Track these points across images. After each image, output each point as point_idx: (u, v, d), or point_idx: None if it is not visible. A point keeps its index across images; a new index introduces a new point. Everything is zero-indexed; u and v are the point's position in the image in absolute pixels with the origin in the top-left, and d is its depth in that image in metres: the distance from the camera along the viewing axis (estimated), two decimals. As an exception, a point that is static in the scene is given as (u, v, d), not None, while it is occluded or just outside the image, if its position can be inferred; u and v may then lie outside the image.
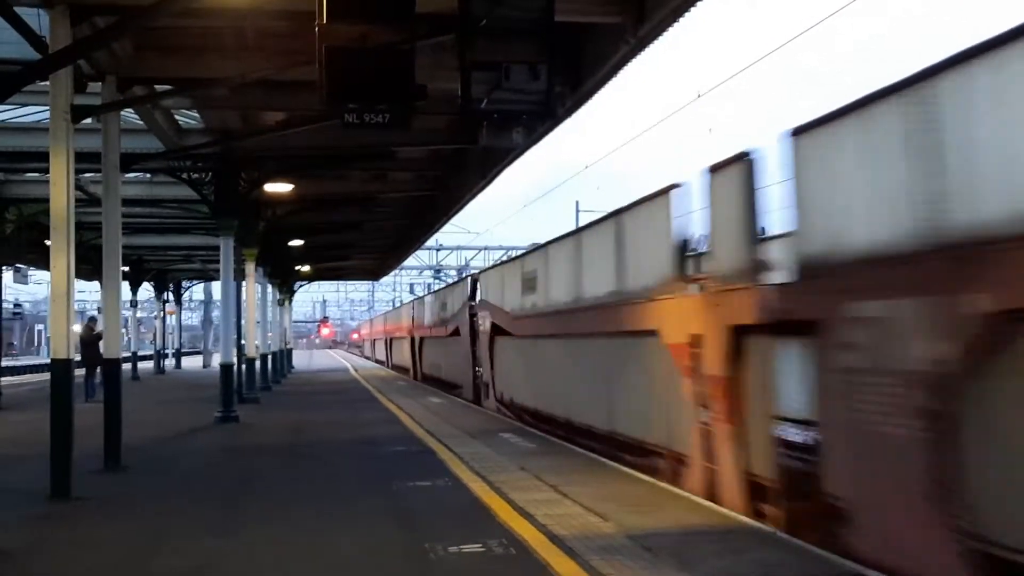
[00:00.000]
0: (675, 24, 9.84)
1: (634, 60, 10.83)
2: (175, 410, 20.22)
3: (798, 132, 7.42)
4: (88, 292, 66.96)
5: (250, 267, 22.12)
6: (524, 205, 78.61)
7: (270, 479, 10.59)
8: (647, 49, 10.54)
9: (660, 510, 8.08)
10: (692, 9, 9.44)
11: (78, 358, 17.59)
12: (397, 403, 21.47)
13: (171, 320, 50.15)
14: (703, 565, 6.17)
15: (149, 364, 43.58)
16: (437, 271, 73.85)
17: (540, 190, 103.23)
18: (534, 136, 13.47)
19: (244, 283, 22.62)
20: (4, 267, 25.46)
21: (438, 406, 20.57)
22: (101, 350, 14.41)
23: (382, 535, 7.37)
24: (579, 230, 14.60)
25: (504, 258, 59.63)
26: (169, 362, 45.20)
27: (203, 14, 10.41)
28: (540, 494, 8.92)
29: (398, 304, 68.01)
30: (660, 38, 10.22)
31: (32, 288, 71.29)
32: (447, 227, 36.10)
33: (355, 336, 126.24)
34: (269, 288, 31.98)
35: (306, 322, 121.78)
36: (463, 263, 69.56)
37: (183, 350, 53.43)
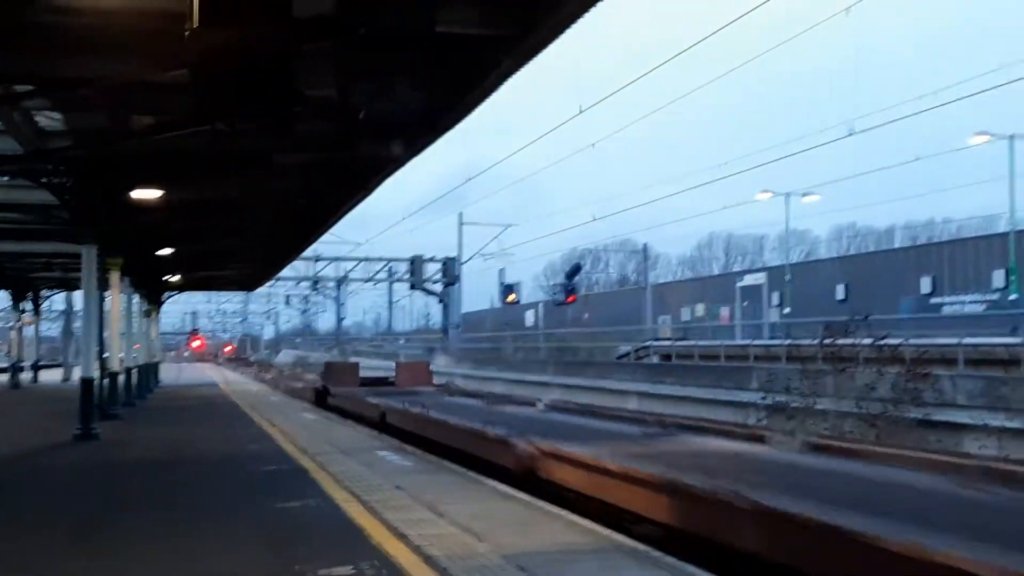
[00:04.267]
0: (562, 35, 9.99)
1: (520, 70, 10.99)
2: (30, 427, 19.54)
3: None
4: (-63, 300, 64.09)
5: (115, 277, 21.54)
6: (403, 217, 77.95)
7: (130, 501, 10.35)
8: (534, 59, 10.70)
9: (535, 529, 8.17)
10: (580, 20, 9.60)
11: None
12: (270, 419, 21.16)
13: (29, 331, 48.40)
14: (577, 585, 6.27)
15: (3, 377, 41.96)
16: (315, 282, 72.98)
17: (430, 199, 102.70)
18: (415, 147, 13.49)
19: (108, 293, 22.01)
20: None
21: (312, 422, 20.35)
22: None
23: (251, 559, 7.29)
24: None
25: (387, 267, 59.23)
26: (26, 375, 43.60)
27: (68, 12, 10.15)
28: (415, 514, 8.93)
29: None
30: (547, 49, 10.38)
31: None
32: (327, 237, 35.83)
33: (228, 349, 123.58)
34: (135, 299, 31.17)
35: (176, 334, 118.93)
36: (342, 274, 68.91)
37: (42, 363, 51.59)
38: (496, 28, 10.01)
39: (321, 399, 28.03)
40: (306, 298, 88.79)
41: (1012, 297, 34.54)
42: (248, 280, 48.24)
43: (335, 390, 28.04)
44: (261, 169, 18.60)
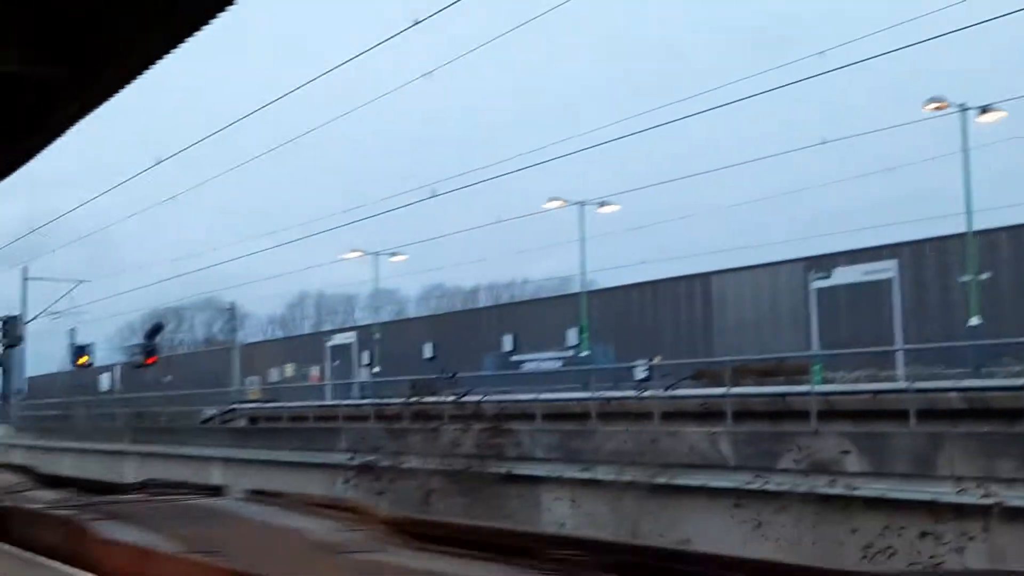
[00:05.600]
0: (131, 83, 9.59)
1: (89, 116, 10.43)
2: None
3: None
4: None
5: None
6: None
7: None
8: (105, 105, 10.20)
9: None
10: (152, 68, 9.27)
11: None
12: None
13: None
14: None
15: None
16: None
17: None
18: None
19: None
20: None
21: None
22: None
23: None
24: None
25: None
26: None
27: None
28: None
29: None
30: (121, 95, 9.94)
31: None
32: None
33: None
34: None
35: None
36: None
37: None
38: (59, 68, 9.41)
39: None
40: None
41: (584, 354, 37.35)
42: None
43: None
44: None
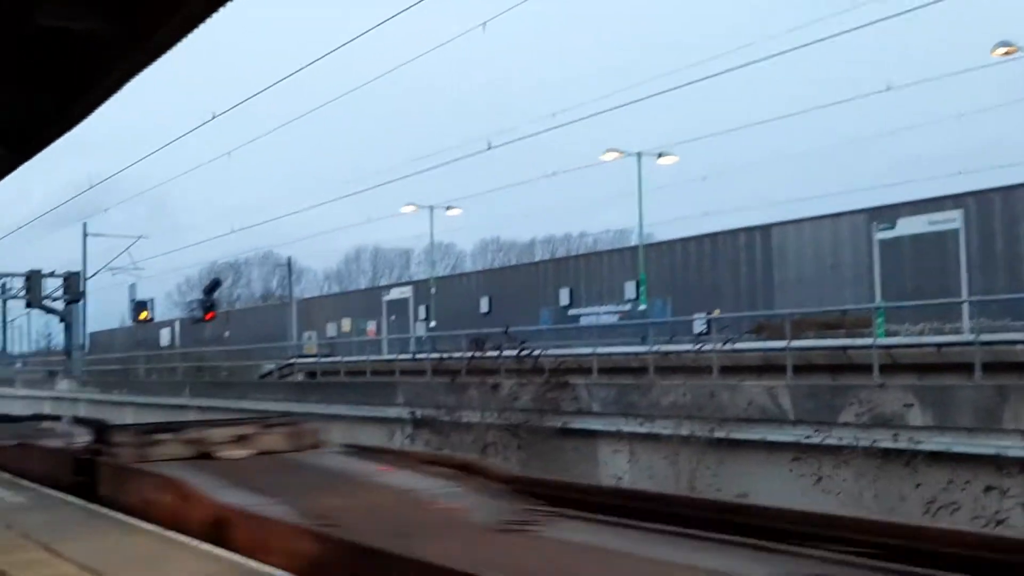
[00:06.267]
0: (183, 39, 9.67)
1: (144, 72, 10.53)
2: None
3: None
4: None
5: None
6: (18, 227, 70.96)
7: None
8: (160, 61, 10.29)
9: (165, 563, 7.82)
10: (202, 25, 9.33)
11: None
12: None
13: None
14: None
15: None
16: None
17: (51, 209, 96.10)
18: (20, 154, 12.55)
19: None
20: None
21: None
22: None
23: None
24: None
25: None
26: None
27: None
28: (25, 554, 8.27)
29: None
30: (177, 50, 10.03)
31: None
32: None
33: None
34: None
35: None
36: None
37: None
38: (111, 23, 9.49)
39: None
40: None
41: (641, 307, 37.26)
42: None
43: None
44: None
